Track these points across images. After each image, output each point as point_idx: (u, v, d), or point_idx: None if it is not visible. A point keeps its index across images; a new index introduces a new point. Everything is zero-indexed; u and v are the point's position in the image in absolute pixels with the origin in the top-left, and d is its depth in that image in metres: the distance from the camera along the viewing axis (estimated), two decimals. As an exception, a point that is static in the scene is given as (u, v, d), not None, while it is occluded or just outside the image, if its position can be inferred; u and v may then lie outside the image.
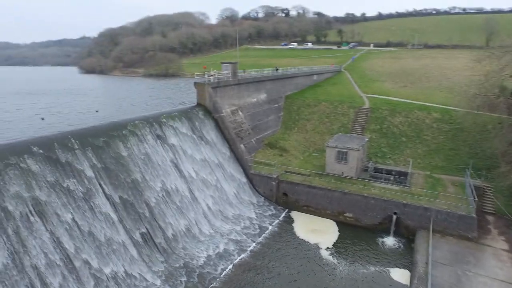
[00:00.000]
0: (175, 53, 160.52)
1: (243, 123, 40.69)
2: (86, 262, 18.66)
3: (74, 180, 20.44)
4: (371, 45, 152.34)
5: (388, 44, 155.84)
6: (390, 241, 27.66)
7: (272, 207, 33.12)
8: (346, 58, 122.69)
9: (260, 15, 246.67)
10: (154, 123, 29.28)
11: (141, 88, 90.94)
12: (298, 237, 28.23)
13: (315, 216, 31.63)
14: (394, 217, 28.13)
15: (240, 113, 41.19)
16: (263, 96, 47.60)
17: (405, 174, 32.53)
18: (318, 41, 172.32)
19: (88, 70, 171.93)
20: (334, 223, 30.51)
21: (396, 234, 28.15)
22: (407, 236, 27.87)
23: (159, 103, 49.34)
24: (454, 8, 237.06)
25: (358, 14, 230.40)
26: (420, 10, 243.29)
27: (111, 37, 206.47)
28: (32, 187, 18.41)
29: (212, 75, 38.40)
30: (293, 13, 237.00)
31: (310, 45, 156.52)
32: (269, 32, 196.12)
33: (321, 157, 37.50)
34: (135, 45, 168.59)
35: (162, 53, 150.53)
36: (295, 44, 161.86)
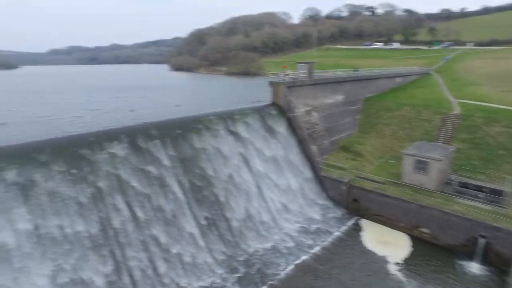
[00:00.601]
0: (257, 53, 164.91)
1: (317, 124, 39.97)
2: (154, 238, 20.48)
3: (152, 166, 22.51)
4: (470, 44, 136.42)
5: (492, 43, 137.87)
6: (474, 267, 24.41)
7: (340, 212, 31.99)
8: (437, 59, 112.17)
9: (344, 14, 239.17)
10: (228, 119, 30.52)
11: (221, 85, 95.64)
12: (366, 247, 26.78)
13: (386, 227, 29.62)
14: (482, 241, 24.76)
15: (315, 113, 40.53)
16: (340, 97, 46.09)
17: (499, 193, 28.37)
18: (406, 41, 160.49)
19: (177, 68, 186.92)
20: (407, 237, 28.17)
21: (484, 261, 24.72)
22: (499, 266, 24.14)
23: (236, 100, 51.28)
24: None
25: (456, 9, 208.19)
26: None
27: (199, 37, 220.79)
28: (117, 168, 20.82)
29: (287, 75, 38.48)
30: (379, 11, 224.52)
31: (396, 45, 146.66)
32: (352, 32, 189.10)
33: (398, 165, 34.90)
34: (219, 44, 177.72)
35: (244, 53, 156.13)
36: (380, 44, 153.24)
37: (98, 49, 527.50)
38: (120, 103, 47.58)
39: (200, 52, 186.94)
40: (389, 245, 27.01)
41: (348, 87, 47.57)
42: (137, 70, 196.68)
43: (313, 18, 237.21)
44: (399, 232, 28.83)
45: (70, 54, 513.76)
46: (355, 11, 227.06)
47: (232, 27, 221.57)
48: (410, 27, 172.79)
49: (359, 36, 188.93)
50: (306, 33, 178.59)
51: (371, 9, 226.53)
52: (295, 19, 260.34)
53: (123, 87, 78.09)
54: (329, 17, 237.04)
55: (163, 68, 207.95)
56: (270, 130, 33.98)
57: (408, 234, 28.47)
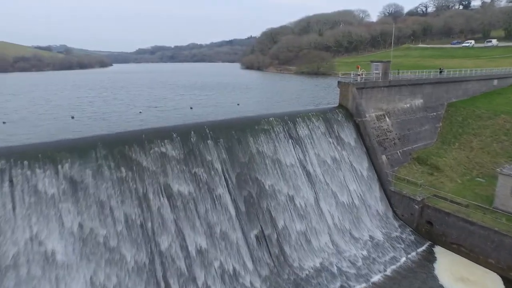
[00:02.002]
0: (329, 52, 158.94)
1: (389, 131, 35.60)
2: (199, 251, 19.21)
3: (202, 169, 21.33)
4: None
5: None
6: None
7: (410, 235, 27.73)
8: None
9: (430, 9, 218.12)
10: (289, 122, 28.28)
11: (288, 84, 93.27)
12: (440, 282, 22.43)
13: (469, 261, 24.66)
14: None
15: (387, 119, 36.18)
16: (418, 101, 40.69)
17: None
18: (508, 37, 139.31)
19: (248, 66, 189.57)
20: (498, 278, 22.93)
21: None
22: None
23: (301, 101, 48.62)
24: None
25: None
26: None
27: (271, 36, 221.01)
28: (166, 169, 20.04)
29: (359, 75, 34.84)
30: (475, 3, 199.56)
31: (494, 42, 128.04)
32: (438, 29, 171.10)
33: (489, 185, 29.14)
34: (291, 43, 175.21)
35: (315, 51, 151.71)
36: (472, 42, 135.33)
37: (177, 48, 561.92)
38: (185, 100, 48.30)
39: (271, 50, 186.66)
40: (472, 284, 22.25)
41: (428, 91, 41.80)
42: (210, 68, 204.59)
43: (394, 15, 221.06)
44: (487, 270, 23.69)
45: (153, 53, 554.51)
46: (444, 6, 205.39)
47: (306, 26, 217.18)
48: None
49: (447, 33, 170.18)
50: (384, 32, 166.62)
51: (464, 1, 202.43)
52: (374, 16, 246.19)
53: (193, 85, 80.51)
54: (411, 13, 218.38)
55: (235, 66, 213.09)
56: (335, 136, 30.90)
57: (501, 275, 23.13)
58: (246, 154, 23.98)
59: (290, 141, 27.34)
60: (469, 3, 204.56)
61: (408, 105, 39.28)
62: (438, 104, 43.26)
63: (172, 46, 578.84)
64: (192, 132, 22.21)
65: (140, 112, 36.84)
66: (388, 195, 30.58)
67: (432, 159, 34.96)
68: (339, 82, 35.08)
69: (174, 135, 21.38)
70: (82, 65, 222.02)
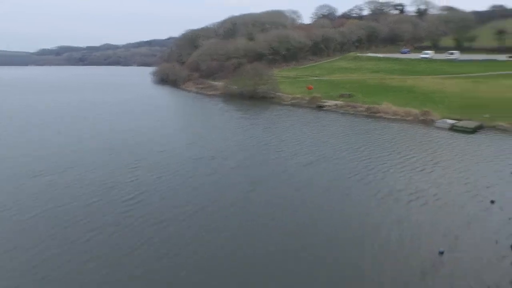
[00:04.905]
0: (264, 61, 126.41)
1: None
2: None
3: None
4: None
5: None
6: None
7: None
8: None
9: (365, 12, 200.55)
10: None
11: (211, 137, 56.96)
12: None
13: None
14: None
15: None
16: None
17: None
18: (459, 47, 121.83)
19: (163, 78, 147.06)
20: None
21: None
22: None
23: None
24: None
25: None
26: None
27: (192, 40, 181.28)
28: None
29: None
30: (409, 9, 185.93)
31: (456, 54, 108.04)
32: (384, 35, 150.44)
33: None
34: (215, 50, 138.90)
35: (246, 61, 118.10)
36: (431, 52, 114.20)
37: (89, 49, 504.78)
38: None
39: (190, 58, 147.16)
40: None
41: None
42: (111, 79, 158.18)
43: (328, 17, 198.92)
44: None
45: (59, 54, 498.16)
46: (379, 9, 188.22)
47: (231, 27, 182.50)
48: (464, 28, 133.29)
49: (392, 40, 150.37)
50: (326, 37, 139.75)
51: (399, 6, 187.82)
52: (306, 18, 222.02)
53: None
54: (347, 16, 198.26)
55: (146, 77, 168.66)
56: None
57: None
58: None
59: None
60: (403, 8, 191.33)
61: None
62: None
63: (84, 46, 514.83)
64: None
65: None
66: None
67: None
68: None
69: None
70: None
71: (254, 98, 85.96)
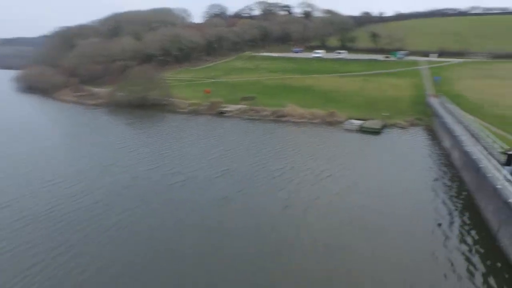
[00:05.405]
0: (154, 62, 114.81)
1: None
2: None
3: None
4: (433, 55, 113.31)
5: (442, 53, 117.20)
6: None
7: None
8: (416, 77, 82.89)
9: (256, 12, 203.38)
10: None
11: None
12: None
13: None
14: None
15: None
16: None
17: None
18: (343, 47, 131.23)
19: (32, 86, 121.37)
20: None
21: None
22: None
23: None
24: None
25: (375, 13, 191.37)
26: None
27: (66, 39, 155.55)
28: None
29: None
30: (295, 10, 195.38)
31: (344, 54, 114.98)
32: (276, 35, 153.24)
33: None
34: (97, 51, 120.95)
35: (134, 63, 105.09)
36: (322, 52, 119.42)
37: None
38: None
39: (67, 61, 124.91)
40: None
41: None
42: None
43: (221, 17, 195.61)
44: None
45: None
46: (269, 10, 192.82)
47: (115, 26, 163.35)
48: (346, 30, 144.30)
49: (283, 40, 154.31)
50: (220, 36, 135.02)
51: (286, 8, 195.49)
52: (196, 17, 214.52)
53: None
54: (238, 16, 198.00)
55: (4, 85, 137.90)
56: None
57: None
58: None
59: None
60: (290, 10, 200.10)
61: None
62: None
63: None
64: None
65: None
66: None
67: None
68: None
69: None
70: None
71: (145, 107, 75.14)
